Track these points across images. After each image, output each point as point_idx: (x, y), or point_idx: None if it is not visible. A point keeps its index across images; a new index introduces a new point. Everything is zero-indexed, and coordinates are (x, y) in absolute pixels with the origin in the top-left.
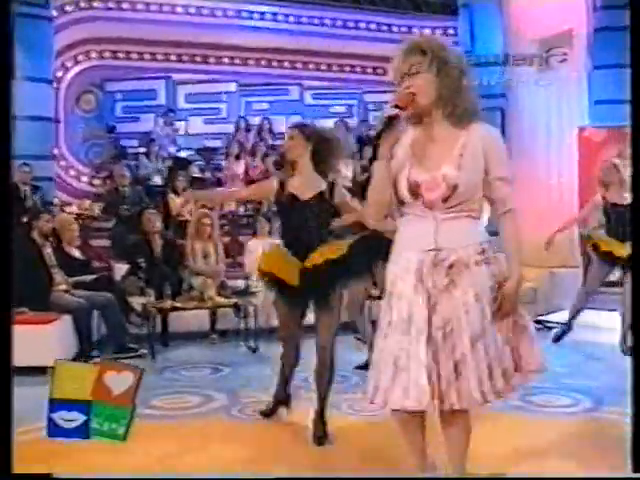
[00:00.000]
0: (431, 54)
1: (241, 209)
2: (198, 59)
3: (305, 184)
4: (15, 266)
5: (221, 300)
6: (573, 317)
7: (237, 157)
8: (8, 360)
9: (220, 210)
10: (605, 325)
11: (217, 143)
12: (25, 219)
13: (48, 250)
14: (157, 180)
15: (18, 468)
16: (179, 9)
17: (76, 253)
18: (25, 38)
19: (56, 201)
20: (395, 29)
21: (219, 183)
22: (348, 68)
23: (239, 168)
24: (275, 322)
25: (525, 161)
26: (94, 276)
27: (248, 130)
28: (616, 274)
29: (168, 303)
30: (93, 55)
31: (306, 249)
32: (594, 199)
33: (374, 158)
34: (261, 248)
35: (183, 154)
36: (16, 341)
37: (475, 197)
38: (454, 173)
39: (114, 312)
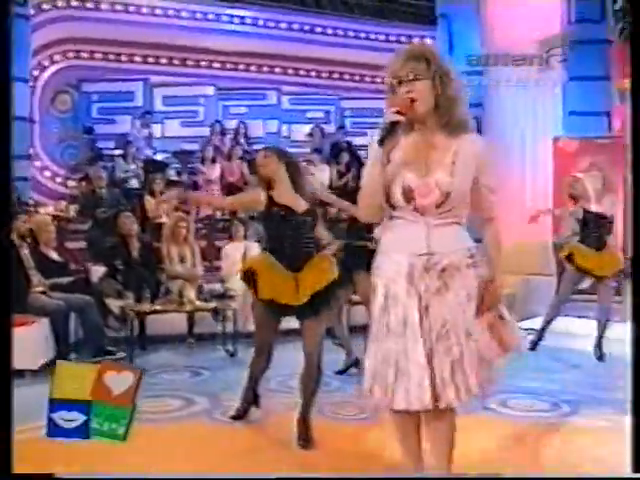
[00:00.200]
0: (434, 62)
1: (218, 213)
2: (176, 62)
3: (295, 197)
4: None
5: (200, 304)
6: (546, 325)
7: (213, 161)
8: (8, 361)
9: (197, 214)
10: (579, 332)
11: (194, 146)
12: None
13: (25, 251)
14: (134, 183)
15: (18, 468)
16: (158, 11)
17: (53, 255)
18: None
19: (31, 202)
20: (373, 36)
21: (195, 186)
22: (326, 74)
23: (215, 172)
24: (253, 326)
25: (500, 169)
26: (71, 278)
27: (223, 134)
28: (587, 282)
29: (147, 306)
30: (70, 55)
31: (299, 260)
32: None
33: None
34: (238, 253)
35: (159, 157)
36: None
37: (463, 204)
38: (447, 180)
39: (92, 315)
